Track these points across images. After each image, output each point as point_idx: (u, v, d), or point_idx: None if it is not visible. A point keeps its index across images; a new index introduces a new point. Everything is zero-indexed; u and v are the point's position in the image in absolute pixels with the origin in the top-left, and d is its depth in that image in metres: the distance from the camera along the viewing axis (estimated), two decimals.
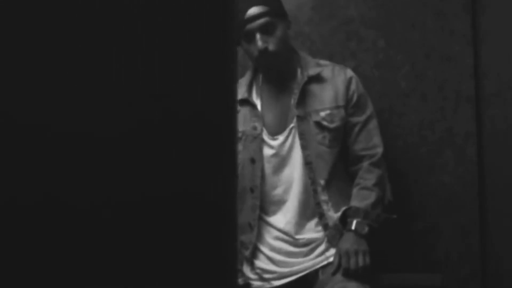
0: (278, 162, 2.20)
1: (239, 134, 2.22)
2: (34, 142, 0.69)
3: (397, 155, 2.49)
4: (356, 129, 2.23)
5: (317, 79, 2.23)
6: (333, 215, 2.16)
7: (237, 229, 0.72)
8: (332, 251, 2.13)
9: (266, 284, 2.16)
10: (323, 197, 2.16)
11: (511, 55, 2.30)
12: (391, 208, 2.24)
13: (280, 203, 2.19)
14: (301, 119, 2.19)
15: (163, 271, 0.69)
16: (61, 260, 0.69)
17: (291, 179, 2.19)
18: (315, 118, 2.19)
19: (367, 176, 2.19)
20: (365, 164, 2.21)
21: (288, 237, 2.16)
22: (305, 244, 2.16)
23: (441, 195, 2.48)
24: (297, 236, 2.16)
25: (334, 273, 2.06)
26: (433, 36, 2.53)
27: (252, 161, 2.20)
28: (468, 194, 2.46)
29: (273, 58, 2.17)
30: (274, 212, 2.20)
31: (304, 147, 2.17)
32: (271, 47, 2.15)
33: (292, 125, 2.20)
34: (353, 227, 2.10)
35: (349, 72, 2.28)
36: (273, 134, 2.21)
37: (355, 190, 2.19)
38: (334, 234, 2.14)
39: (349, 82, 2.24)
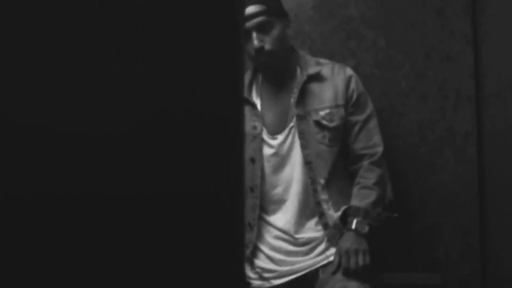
0: (278, 161, 2.20)
1: None
2: (34, 142, 0.69)
3: (397, 155, 2.49)
4: (356, 128, 2.23)
5: (317, 78, 2.23)
6: (333, 214, 2.16)
7: (244, 228, 0.72)
8: (332, 250, 2.13)
9: (266, 283, 2.16)
10: (323, 196, 2.16)
11: (511, 54, 2.30)
12: (392, 207, 2.24)
13: (280, 202, 2.19)
14: (300, 118, 2.19)
15: (169, 271, 0.69)
16: (67, 260, 0.69)
17: (291, 178, 2.19)
18: (314, 117, 2.19)
19: (368, 175, 2.19)
20: (366, 163, 2.21)
21: (288, 236, 2.16)
22: (304, 243, 2.15)
23: (441, 195, 2.48)
24: (297, 235, 2.16)
25: (334, 273, 2.06)
26: (433, 35, 2.52)
27: (252, 160, 2.20)
28: (468, 193, 2.46)
29: (269, 57, 2.17)
30: (274, 212, 2.20)
31: (303, 147, 2.17)
32: (267, 46, 2.15)
33: (291, 124, 2.20)
34: (353, 227, 2.10)
35: (349, 71, 2.27)
36: (273, 133, 2.21)
37: (355, 189, 2.19)
38: (334, 233, 2.14)
39: (348, 81, 2.24)
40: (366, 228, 2.10)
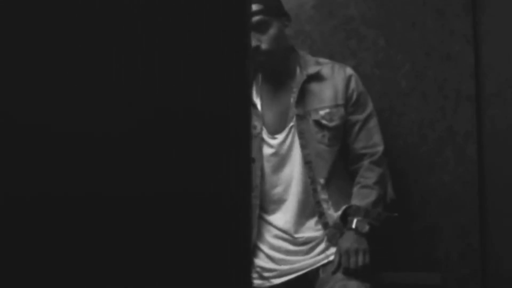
0: (277, 161, 2.20)
1: None
2: (34, 142, 0.69)
3: (397, 155, 2.49)
4: (356, 127, 2.23)
5: (317, 77, 2.23)
6: (333, 214, 2.16)
7: (251, 228, 0.72)
8: (333, 249, 2.13)
9: (266, 283, 2.16)
10: (323, 196, 2.16)
11: (511, 54, 2.30)
12: (393, 207, 2.24)
13: (279, 202, 2.19)
14: (300, 118, 2.19)
15: (170, 271, 0.69)
16: (67, 260, 0.69)
17: (291, 178, 2.19)
18: (314, 117, 2.19)
19: (368, 175, 2.19)
20: (366, 162, 2.21)
21: (288, 235, 2.16)
22: (304, 243, 2.15)
23: (441, 195, 2.48)
24: (296, 235, 2.16)
25: (334, 272, 2.07)
26: (433, 35, 2.52)
27: (252, 160, 2.20)
28: (468, 193, 2.46)
29: (266, 57, 2.17)
30: (273, 211, 2.20)
31: (303, 146, 2.17)
32: (263, 45, 2.15)
33: (291, 124, 2.20)
34: (353, 226, 2.10)
35: (349, 70, 2.27)
36: (273, 133, 2.21)
37: (355, 189, 2.19)
38: (334, 233, 2.14)
39: (348, 80, 2.24)
40: (366, 228, 2.10)
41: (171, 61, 0.70)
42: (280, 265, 2.16)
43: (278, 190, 2.20)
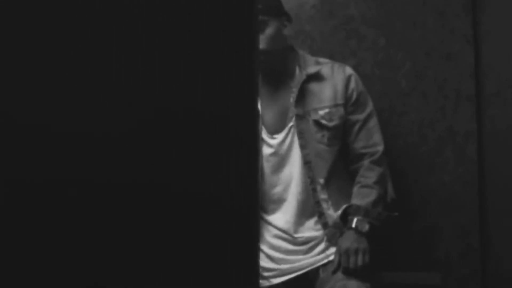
0: (277, 161, 2.20)
1: None
2: (34, 142, 0.69)
3: (397, 155, 2.49)
4: (356, 127, 2.23)
5: (316, 77, 2.23)
6: (333, 214, 2.16)
7: (259, 229, 0.72)
8: (333, 249, 2.13)
9: (266, 282, 2.16)
10: (323, 195, 2.16)
11: (511, 54, 2.30)
12: (393, 207, 2.24)
13: (279, 202, 2.19)
14: (300, 118, 2.19)
15: (176, 271, 0.69)
16: (68, 260, 0.69)
17: (290, 178, 2.18)
18: (314, 116, 2.18)
19: (368, 174, 2.19)
20: (366, 162, 2.21)
21: (287, 235, 2.16)
22: (304, 242, 2.16)
23: (441, 195, 2.48)
24: (296, 235, 2.16)
25: (334, 272, 2.07)
26: (434, 35, 2.52)
27: None
28: (468, 193, 2.46)
29: (263, 57, 2.17)
30: (273, 211, 2.20)
31: (303, 146, 2.17)
32: (260, 45, 2.15)
33: (291, 124, 2.20)
34: (353, 225, 2.10)
35: (349, 70, 2.27)
36: (272, 133, 2.21)
37: (355, 188, 2.19)
38: (334, 232, 2.14)
39: (348, 80, 2.24)
40: (366, 227, 2.10)
41: (171, 61, 0.70)
42: (279, 264, 2.16)
43: (277, 190, 2.20)
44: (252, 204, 0.70)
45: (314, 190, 2.15)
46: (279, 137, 2.20)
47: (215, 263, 0.69)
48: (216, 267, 0.69)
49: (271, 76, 2.27)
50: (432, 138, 2.50)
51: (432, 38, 2.52)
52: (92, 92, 0.69)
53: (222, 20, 0.71)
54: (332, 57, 2.47)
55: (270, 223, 2.19)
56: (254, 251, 0.70)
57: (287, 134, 2.20)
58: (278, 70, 2.25)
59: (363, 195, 2.16)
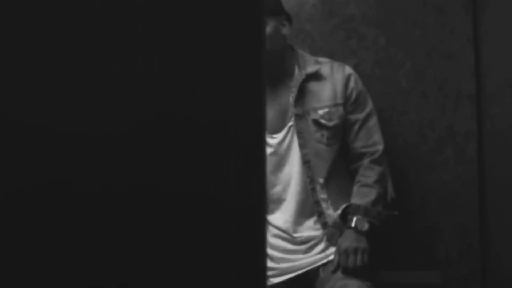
0: (276, 160, 2.20)
1: None
2: (34, 142, 0.69)
3: (397, 154, 2.49)
4: (356, 126, 2.23)
5: (316, 76, 2.22)
6: (332, 214, 2.16)
7: (266, 230, 0.72)
8: (332, 249, 2.13)
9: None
10: (322, 195, 2.16)
11: None
12: (393, 206, 2.24)
13: (278, 201, 2.19)
14: (299, 117, 2.18)
15: (176, 271, 0.69)
16: (67, 260, 0.69)
17: (290, 177, 2.18)
18: (313, 116, 2.18)
19: (368, 174, 2.19)
20: (366, 161, 2.21)
21: (287, 235, 2.16)
22: (303, 242, 2.16)
23: (441, 194, 2.48)
24: (295, 234, 2.16)
25: (334, 271, 2.07)
26: (434, 34, 2.52)
27: None
28: (468, 193, 2.46)
29: None
30: (272, 211, 2.20)
31: (302, 146, 2.17)
32: None
33: (290, 123, 2.20)
34: (353, 224, 2.10)
35: (348, 69, 2.27)
36: (272, 132, 2.21)
37: (355, 188, 2.19)
38: (334, 232, 2.14)
39: (347, 79, 2.24)
40: (366, 226, 2.10)
41: (171, 61, 0.70)
42: (279, 263, 2.16)
43: (277, 189, 2.20)
44: (255, 205, 0.70)
45: (314, 189, 2.15)
46: (279, 136, 2.20)
47: (215, 264, 0.69)
48: (216, 267, 0.69)
49: (270, 76, 2.27)
50: (432, 137, 2.50)
51: (432, 38, 2.52)
52: (92, 92, 0.69)
53: (222, 20, 0.71)
54: (332, 56, 2.47)
55: (269, 223, 2.19)
56: (258, 252, 0.70)
57: (286, 134, 2.20)
58: (277, 70, 2.25)
59: (362, 194, 2.16)
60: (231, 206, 0.70)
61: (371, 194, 2.16)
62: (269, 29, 2.17)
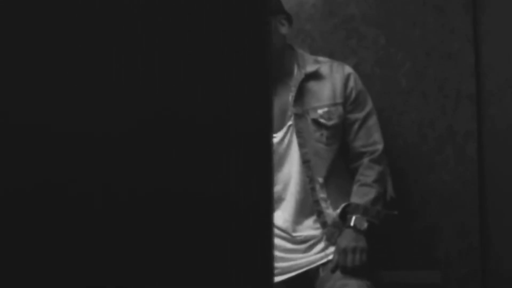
0: (276, 160, 2.19)
1: None
2: (34, 142, 0.69)
3: (397, 154, 2.49)
4: (356, 126, 2.23)
5: (315, 76, 2.22)
6: (332, 213, 2.15)
7: (272, 230, 0.72)
8: (332, 248, 2.13)
9: None
10: (322, 194, 2.16)
11: None
12: (393, 206, 2.24)
13: (278, 201, 2.19)
14: (298, 116, 2.18)
15: (176, 271, 0.69)
16: (67, 260, 0.68)
17: (289, 177, 2.18)
18: (312, 115, 2.18)
19: (367, 173, 2.19)
20: (365, 160, 2.21)
21: (286, 234, 2.16)
22: (302, 241, 2.15)
23: (441, 194, 2.48)
24: (295, 234, 2.16)
25: (333, 271, 2.07)
26: (434, 34, 2.52)
27: None
28: (468, 193, 2.46)
29: None
30: None
31: (301, 145, 2.17)
32: None
33: (289, 123, 2.19)
34: (352, 223, 2.10)
35: (347, 69, 2.27)
36: None
37: (355, 187, 2.19)
38: (333, 232, 2.14)
39: (347, 79, 2.24)
40: (365, 225, 2.10)
41: (171, 61, 0.70)
42: (278, 263, 2.16)
43: (276, 189, 2.19)
44: (256, 205, 0.70)
45: (313, 189, 2.15)
46: (278, 136, 2.20)
47: (215, 264, 0.69)
48: (216, 267, 0.69)
49: None
50: (432, 137, 2.50)
51: (432, 38, 2.52)
52: (92, 92, 0.69)
53: (222, 20, 0.70)
54: (332, 56, 2.47)
55: None
56: (261, 252, 0.70)
57: (285, 133, 2.20)
58: (277, 69, 2.25)
59: (362, 194, 2.16)
60: (231, 206, 0.70)
61: (371, 193, 2.16)
62: None
